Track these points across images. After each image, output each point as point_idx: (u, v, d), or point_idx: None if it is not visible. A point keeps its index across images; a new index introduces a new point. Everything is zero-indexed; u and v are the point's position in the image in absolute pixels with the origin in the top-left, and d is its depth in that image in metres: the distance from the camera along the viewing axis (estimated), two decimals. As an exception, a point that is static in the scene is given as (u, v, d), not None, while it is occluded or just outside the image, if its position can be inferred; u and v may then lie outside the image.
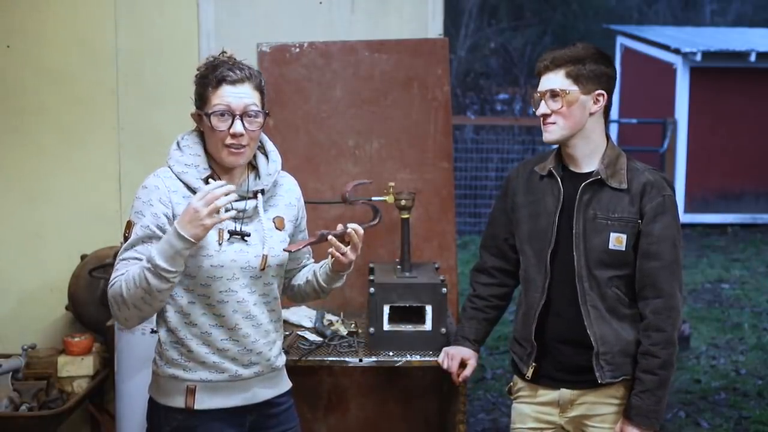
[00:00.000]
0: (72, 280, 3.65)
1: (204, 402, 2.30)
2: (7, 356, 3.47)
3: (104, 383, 3.57)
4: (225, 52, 2.30)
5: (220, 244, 2.25)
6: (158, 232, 2.21)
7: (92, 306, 3.58)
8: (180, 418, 2.30)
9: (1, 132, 3.73)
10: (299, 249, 2.40)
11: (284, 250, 2.36)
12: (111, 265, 3.44)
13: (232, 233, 2.28)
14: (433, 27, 3.74)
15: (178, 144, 2.33)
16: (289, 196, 2.45)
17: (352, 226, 2.34)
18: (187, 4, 3.71)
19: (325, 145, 3.61)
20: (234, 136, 2.23)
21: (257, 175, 2.37)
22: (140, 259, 2.18)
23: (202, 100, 2.27)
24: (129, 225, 2.25)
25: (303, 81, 3.61)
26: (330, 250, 2.36)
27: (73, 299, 3.64)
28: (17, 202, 3.76)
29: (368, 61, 3.62)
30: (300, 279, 2.56)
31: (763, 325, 6.89)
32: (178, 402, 2.30)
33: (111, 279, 2.20)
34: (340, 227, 2.35)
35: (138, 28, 3.71)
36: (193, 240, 2.10)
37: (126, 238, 2.24)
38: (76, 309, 3.64)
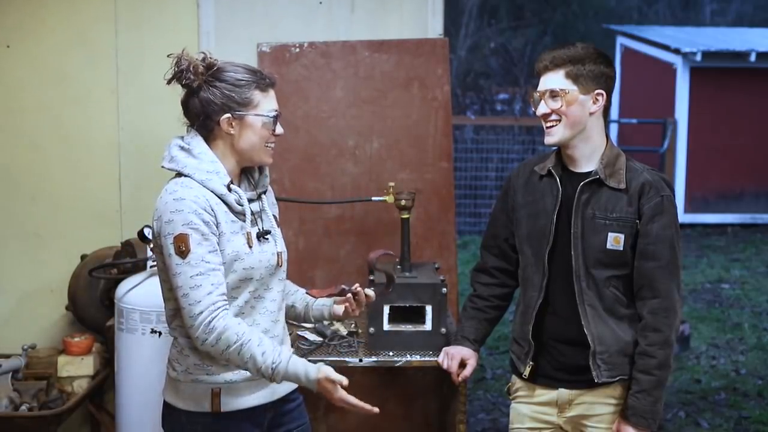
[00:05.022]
0: (72, 280, 3.64)
1: (229, 404, 2.30)
2: (7, 356, 3.47)
3: (104, 383, 3.57)
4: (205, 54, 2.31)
5: (250, 247, 2.26)
6: (216, 240, 2.21)
7: (92, 306, 3.58)
8: (204, 422, 2.29)
9: (1, 131, 3.73)
10: (322, 297, 2.49)
11: (307, 293, 2.49)
12: (111, 265, 3.45)
13: (259, 235, 2.30)
14: (433, 27, 3.74)
15: (187, 150, 2.28)
16: (270, 195, 2.48)
17: (368, 292, 2.47)
18: (187, 4, 3.70)
19: (325, 145, 3.61)
20: (276, 136, 2.31)
21: (251, 177, 2.39)
22: (217, 270, 2.18)
23: (245, 104, 2.26)
24: (182, 238, 2.17)
25: (303, 81, 3.61)
26: (342, 301, 2.49)
27: (73, 299, 3.64)
28: (17, 202, 3.76)
29: (368, 61, 3.62)
30: (286, 300, 2.55)
31: (763, 325, 6.89)
32: (203, 406, 2.29)
33: (198, 297, 2.16)
34: (356, 286, 2.46)
35: (138, 28, 3.71)
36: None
37: (182, 251, 2.17)
38: (76, 309, 3.64)
